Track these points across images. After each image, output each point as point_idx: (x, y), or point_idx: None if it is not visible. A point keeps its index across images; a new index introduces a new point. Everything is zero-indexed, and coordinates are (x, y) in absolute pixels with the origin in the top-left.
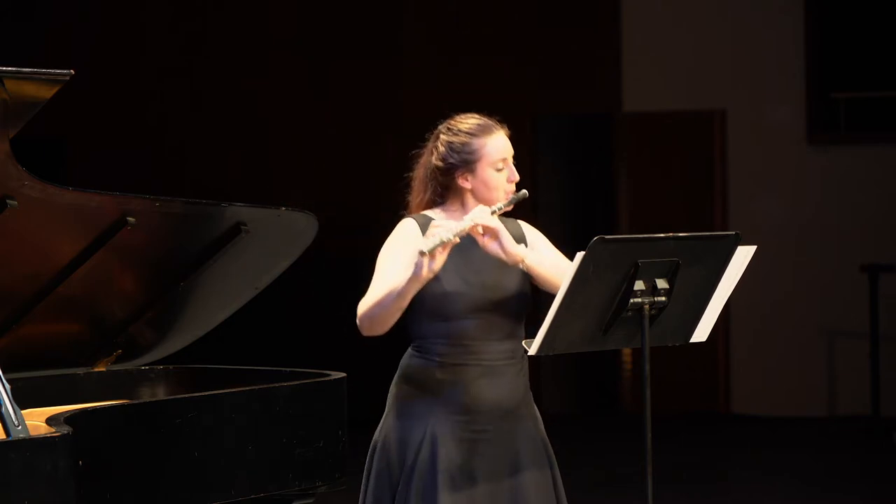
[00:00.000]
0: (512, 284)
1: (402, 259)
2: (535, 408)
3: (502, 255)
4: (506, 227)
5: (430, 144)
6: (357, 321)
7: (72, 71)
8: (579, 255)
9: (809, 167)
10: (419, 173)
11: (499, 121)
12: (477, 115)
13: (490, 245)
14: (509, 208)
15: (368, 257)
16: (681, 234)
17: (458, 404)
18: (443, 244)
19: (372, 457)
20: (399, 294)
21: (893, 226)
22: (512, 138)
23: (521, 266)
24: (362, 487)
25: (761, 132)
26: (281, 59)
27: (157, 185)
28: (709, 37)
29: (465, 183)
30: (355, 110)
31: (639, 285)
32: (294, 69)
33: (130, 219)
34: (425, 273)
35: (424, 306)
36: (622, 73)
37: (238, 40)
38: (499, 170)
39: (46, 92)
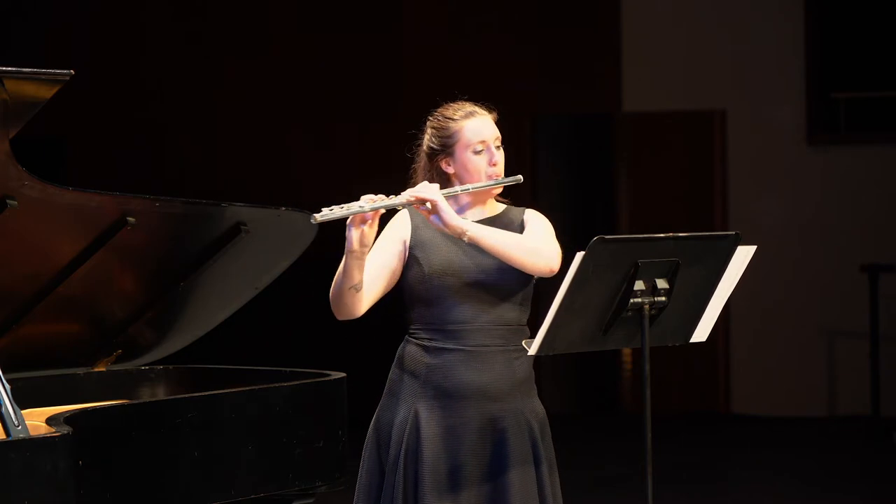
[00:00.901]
0: (500, 269)
1: (379, 245)
2: (537, 404)
3: (444, 228)
4: (508, 214)
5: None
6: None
7: (72, 71)
8: (579, 255)
9: (809, 167)
10: (420, 162)
11: (488, 107)
12: (465, 102)
13: (431, 218)
14: (497, 190)
15: None
16: (681, 234)
17: (440, 389)
18: (346, 215)
19: (368, 438)
20: (343, 272)
21: (893, 226)
22: (502, 127)
23: (464, 239)
24: (360, 467)
25: (761, 132)
26: (281, 59)
27: (157, 185)
28: (709, 37)
29: (448, 168)
30: (356, 111)
31: (639, 285)
32: (294, 69)
33: (130, 219)
34: (355, 246)
35: (410, 292)
36: (622, 73)
37: (238, 40)
38: (477, 152)
39: (46, 92)
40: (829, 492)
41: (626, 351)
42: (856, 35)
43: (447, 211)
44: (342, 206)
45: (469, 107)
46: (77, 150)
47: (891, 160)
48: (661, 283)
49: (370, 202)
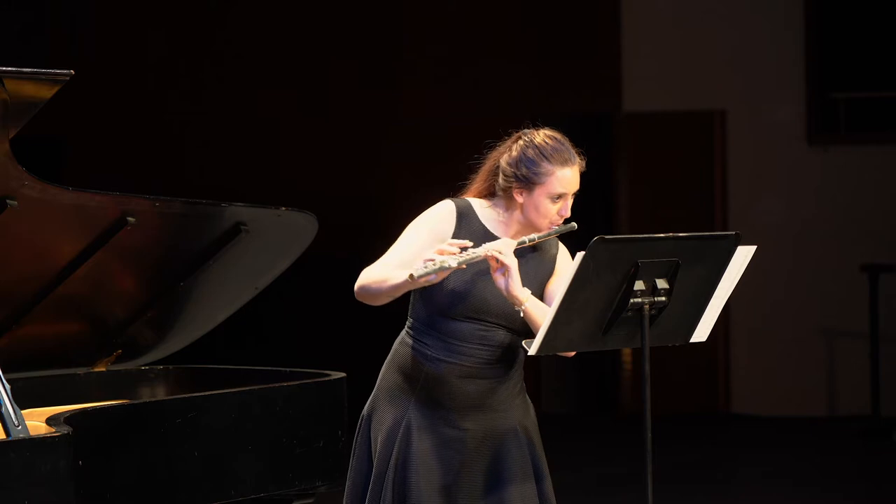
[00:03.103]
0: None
1: (421, 240)
2: (529, 406)
3: (504, 293)
4: (546, 245)
5: (509, 142)
6: (355, 286)
7: (72, 71)
8: (579, 255)
9: (809, 167)
10: (488, 163)
11: (580, 153)
12: (561, 137)
13: (499, 278)
14: (548, 238)
15: (369, 257)
16: (681, 234)
17: (436, 400)
18: (439, 272)
19: (359, 430)
20: (394, 287)
21: (893, 226)
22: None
23: (518, 308)
24: (350, 458)
25: (761, 132)
26: (281, 59)
27: (157, 185)
28: (709, 37)
29: (519, 197)
30: (356, 111)
31: (639, 285)
32: (295, 70)
33: (130, 219)
34: (421, 283)
35: (427, 295)
36: (622, 73)
37: (239, 40)
38: (554, 201)
39: (46, 92)
40: (829, 492)
41: (626, 351)
42: (856, 35)
43: (516, 279)
44: (434, 261)
45: (564, 146)
46: (77, 150)
47: (891, 160)
48: (661, 283)
49: (458, 258)
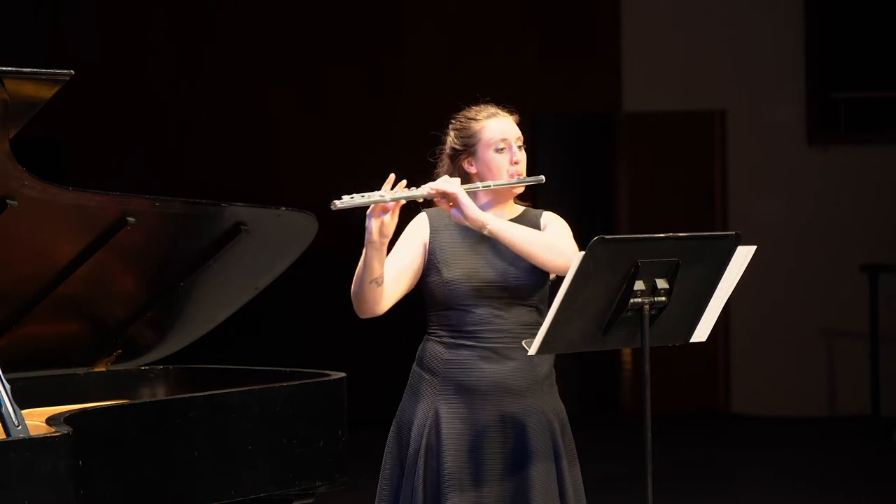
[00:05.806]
0: (516, 274)
1: (404, 250)
2: (557, 402)
3: (464, 221)
4: (527, 216)
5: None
6: (353, 303)
7: (72, 71)
8: (580, 255)
9: (809, 167)
10: (441, 166)
11: (509, 109)
12: (486, 104)
13: (452, 211)
14: (518, 190)
15: None
16: (681, 234)
17: (459, 385)
18: (367, 205)
19: (390, 436)
20: (363, 264)
21: (893, 226)
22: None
23: (484, 232)
24: (382, 464)
25: (761, 132)
26: (282, 59)
27: (157, 185)
28: (709, 37)
29: (471, 167)
30: (356, 111)
31: (639, 285)
32: (295, 70)
33: (130, 219)
34: (374, 236)
35: (430, 295)
36: (622, 73)
37: (240, 40)
38: (499, 150)
39: (46, 92)
40: (828, 492)
41: (626, 351)
42: (856, 35)
43: (467, 204)
44: (363, 194)
45: (491, 108)
46: (77, 150)
47: (891, 160)
48: (661, 283)
49: (391, 192)
